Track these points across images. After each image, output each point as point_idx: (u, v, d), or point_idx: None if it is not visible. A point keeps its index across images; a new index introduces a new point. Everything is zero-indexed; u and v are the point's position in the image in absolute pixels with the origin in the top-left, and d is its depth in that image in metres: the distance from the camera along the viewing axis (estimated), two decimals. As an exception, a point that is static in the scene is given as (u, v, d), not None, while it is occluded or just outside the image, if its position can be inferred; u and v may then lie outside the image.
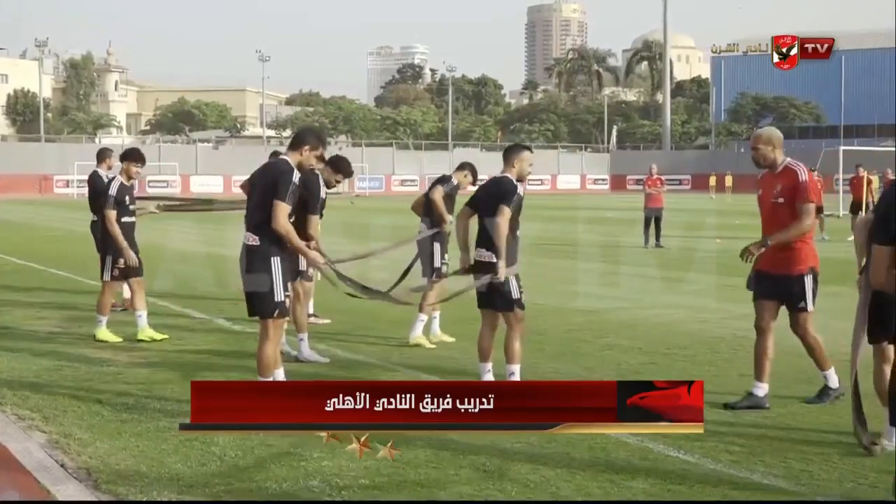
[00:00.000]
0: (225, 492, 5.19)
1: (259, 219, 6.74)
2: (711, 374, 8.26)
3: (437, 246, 9.59)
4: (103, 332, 9.86)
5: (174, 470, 5.54)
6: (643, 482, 5.38)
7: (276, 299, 6.74)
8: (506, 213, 7.35)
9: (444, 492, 5.22)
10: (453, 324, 9.94)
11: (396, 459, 5.75)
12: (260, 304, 6.81)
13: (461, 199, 9.01)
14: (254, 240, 6.77)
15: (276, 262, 6.73)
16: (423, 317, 9.61)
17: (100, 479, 5.36)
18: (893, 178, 20.77)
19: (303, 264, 8.34)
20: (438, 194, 9.51)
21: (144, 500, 5.06)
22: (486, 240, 7.54)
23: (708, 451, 5.98)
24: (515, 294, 7.48)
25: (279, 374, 7.01)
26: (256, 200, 6.82)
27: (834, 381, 7.37)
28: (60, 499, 5.09)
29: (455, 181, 9.70)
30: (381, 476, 5.45)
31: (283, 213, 6.65)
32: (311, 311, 11.13)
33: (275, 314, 6.78)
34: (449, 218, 9.47)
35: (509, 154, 7.74)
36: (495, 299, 7.53)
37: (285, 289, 6.78)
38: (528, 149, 7.88)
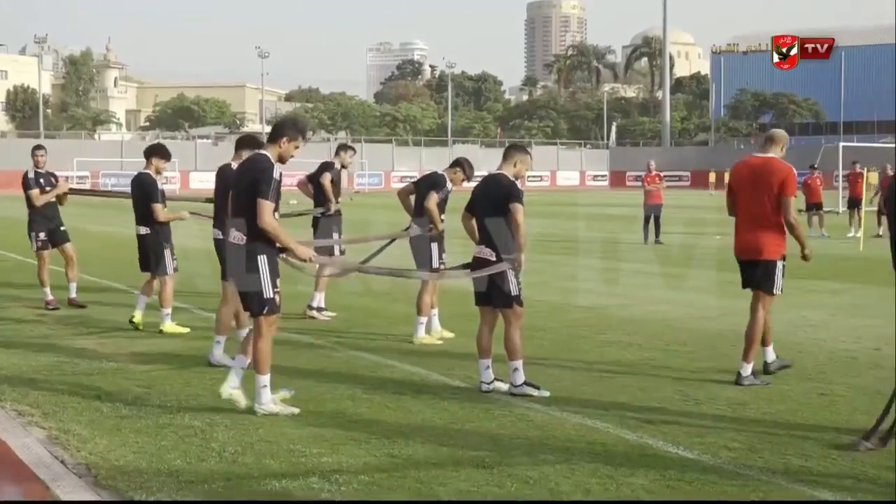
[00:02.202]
0: (224, 488, 5.18)
1: (244, 217, 6.65)
2: (710, 371, 8.26)
3: (434, 246, 9.56)
4: (170, 326, 10.05)
5: (174, 466, 5.54)
6: (642, 478, 5.38)
7: (265, 296, 6.67)
8: (521, 210, 7.36)
9: (444, 488, 5.21)
10: (452, 319, 9.94)
11: (395, 455, 5.76)
12: (250, 303, 6.77)
13: (457, 196, 9.03)
14: (240, 238, 6.69)
15: (262, 260, 6.64)
16: (423, 318, 9.60)
17: (99, 475, 5.35)
18: (892, 174, 20.72)
19: None
20: (433, 203, 9.37)
21: (144, 495, 5.06)
22: (486, 238, 7.54)
23: (707, 447, 5.98)
24: (514, 291, 7.46)
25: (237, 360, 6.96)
26: (241, 198, 6.73)
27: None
28: (60, 495, 5.08)
29: (450, 186, 9.60)
30: (381, 472, 5.45)
31: (267, 210, 6.57)
32: (322, 304, 11.15)
33: (265, 311, 6.71)
34: (442, 226, 9.47)
35: (512, 153, 7.72)
36: (493, 296, 7.53)
37: (274, 286, 6.70)
38: (529, 153, 7.89)
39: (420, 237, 9.51)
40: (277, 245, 6.77)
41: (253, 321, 6.91)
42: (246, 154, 7.67)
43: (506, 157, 7.71)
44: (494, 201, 7.49)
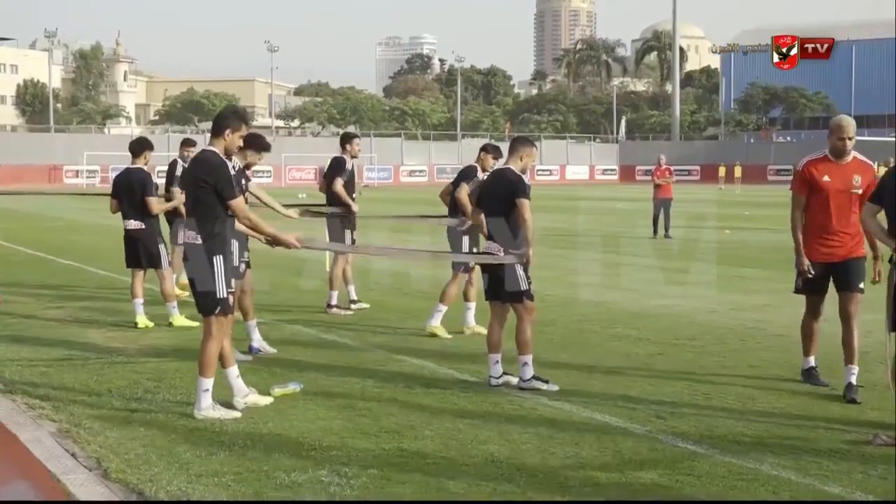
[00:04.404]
0: (234, 481, 5.19)
1: (198, 216, 6.50)
2: (719, 366, 8.25)
3: (465, 240, 9.55)
4: (179, 319, 10.01)
5: (183, 459, 5.55)
6: (652, 473, 5.38)
7: (218, 296, 6.49)
8: (528, 205, 7.35)
9: (453, 481, 5.21)
10: (462, 314, 9.93)
11: (405, 449, 5.76)
12: (203, 302, 6.58)
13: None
14: (195, 238, 6.55)
15: (217, 260, 6.47)
16: (442, 307, 9.59)
17: (109, 469, 5.37)
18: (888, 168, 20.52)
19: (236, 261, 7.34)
20: (465, 193, 9.35)
21: (154, 489, 5.07)
22: (492, 233, 7.54)
23: (717, 441, 5.98)
24: (523, 286, 7.45)
25: (232, 372, 6.82)
26: (190, 198, 6.60)
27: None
28: (70, 488, 5.10)
29: (481, 175, 9.58)
30: (390, 465, 5.46)
31: (240, 208, 6.49)
32: (354, 296, 11.19)
33: (216, 311, 6.53)
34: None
35: (517, 146, 7.69)
36: (503, 291, 7.52)
37: (228, 286, 6.53)
38: (535, 145, 7.86)
39: (454, 230, 9.59)
40: (262, 236, 6.73)
41: (203, 321, 6.70)
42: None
43: (511, 151, 7.69)
44: (500, 197, 7.48)
